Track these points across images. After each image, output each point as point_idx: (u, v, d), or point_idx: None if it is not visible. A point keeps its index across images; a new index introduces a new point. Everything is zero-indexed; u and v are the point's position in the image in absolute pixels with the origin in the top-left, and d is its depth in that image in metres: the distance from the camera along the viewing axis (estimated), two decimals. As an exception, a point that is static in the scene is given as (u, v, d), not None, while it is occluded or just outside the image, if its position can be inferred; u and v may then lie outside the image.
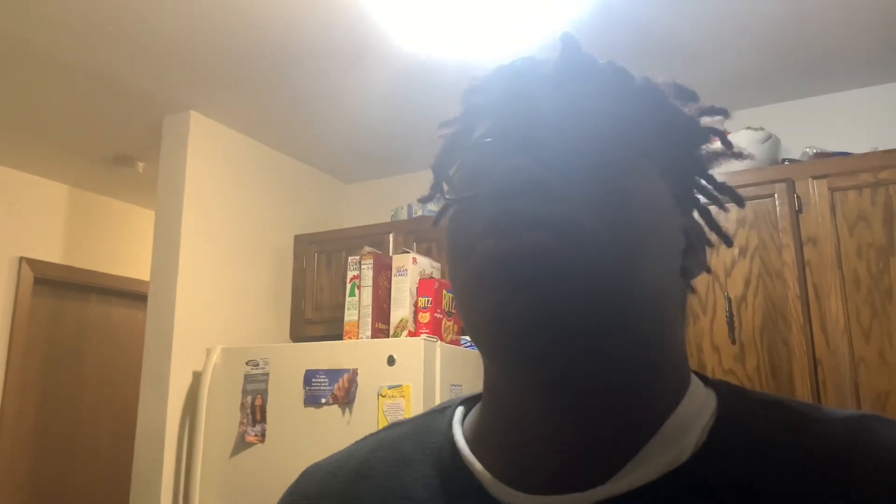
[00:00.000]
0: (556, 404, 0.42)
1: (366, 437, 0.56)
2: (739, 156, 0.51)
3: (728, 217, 2.15)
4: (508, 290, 0.39)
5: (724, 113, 0.51)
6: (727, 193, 0.51)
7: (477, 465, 0.45)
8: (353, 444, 0.56)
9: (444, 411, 0.52)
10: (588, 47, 0.48)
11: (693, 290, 0.50)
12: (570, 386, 0.41)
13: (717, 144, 0.51)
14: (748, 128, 2.31)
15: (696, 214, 0.51)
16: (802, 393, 1.98)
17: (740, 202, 0.52)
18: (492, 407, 0.47)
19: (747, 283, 2.10)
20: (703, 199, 0.51)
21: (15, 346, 3.11)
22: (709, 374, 2.03)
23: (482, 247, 0.41)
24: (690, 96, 0.50)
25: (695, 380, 0.46)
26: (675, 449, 0.41)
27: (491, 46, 2.10)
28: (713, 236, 0.52)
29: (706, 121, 0.50)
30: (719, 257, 2.15)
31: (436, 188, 0.51)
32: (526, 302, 0.39)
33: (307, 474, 0.56)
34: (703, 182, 0.51)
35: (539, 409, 0.42)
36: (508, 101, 0.46)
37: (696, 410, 0.43)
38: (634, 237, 0.41)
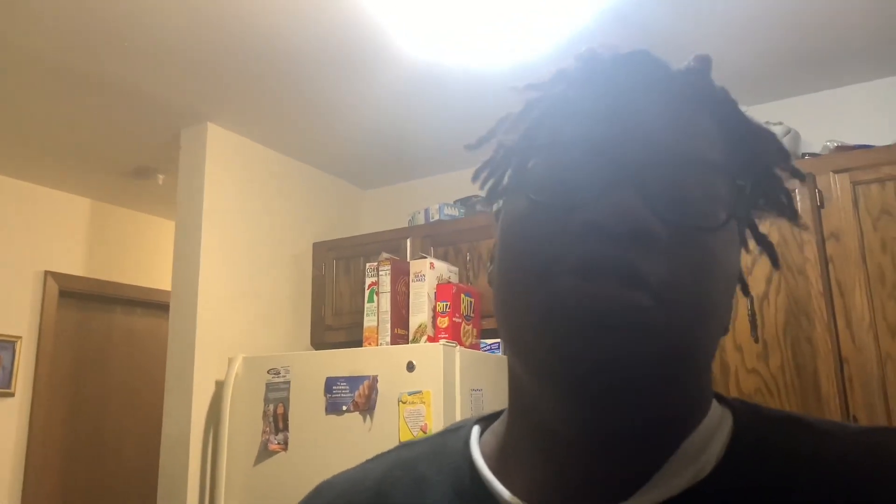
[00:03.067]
0: (598, 437, 0.42)
1: (379, 456, 0.56)
2: (801, 176, 0.48)
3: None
4: (585, 338, 0.37)
5: (801, 177, 0.49)
6: (788, 214, 0.49)
7: (497, 485, 0.45)
8: (365, 463, 0.56)
9: (459, 431, 0.52)
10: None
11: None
12: (617, 424, 0.41)
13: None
14: (767, 122, 2.27)
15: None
16: (828, 391, 1.95)
17: (796, 220, 0.49)
18: (519, 426, 0.46)
19: (769, 281, 2.08)
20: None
21: (42, 358, 3.17)
22: (732, 373, 2.02)
23: (566, 282, 0.38)
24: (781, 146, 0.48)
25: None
26: (696, 465, 0.41)
27: (501, 51, 2.09)
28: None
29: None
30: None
31: (493, 169, 0.49)
32: (600, 354, 0.37)
33: (320, 492, 0.55)
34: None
35: (577, 438, 0.42)
36: (608, 109, 0.42)
37: (714, 428, 0.43)
38: (713, 304, 0.41)
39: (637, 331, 0.37)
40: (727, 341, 2.09)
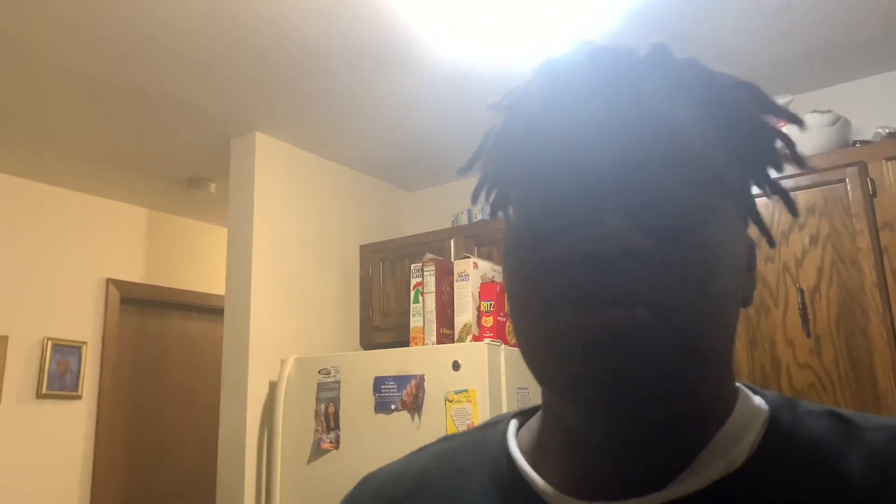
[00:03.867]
0: (622, 441, 0.43)
1: (421, 449, 0.58)
2: (803, 164, 0.47)
3: (797, 205, 2.07)
4: (591, 364, 0.39)
5: (800, 122, 0.48)
6: (782, 197, 0.48)
7: (535, 476, 0.46)
8: (408, 456, 0.58)
9: (497, 425, 0.53)
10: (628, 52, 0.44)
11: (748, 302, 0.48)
12: (637, 430, 0.42)
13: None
14: (815, 111, 2.22)
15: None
16: (886, 386, 1.89)
17: (794, 212, 0.49)
18: (552, 427, 0.48)
19: (820, 274, 2.03)
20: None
21: (106, 362, 3.31)
22: (784, 369, 1.98)
23: (566, 318, 0.39)
24: (766, 102, 0.45)
25: (744, 391, 0.47)
26: (727, 457, 0.42)
27: (534, 52, 2.10)
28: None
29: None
30: (789, 247, 2.08)
31: (482, 193, 0.49)
32: (607, 376, 0.39)
33: (365, 483, 0.58)
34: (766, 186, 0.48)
35: (603, 441, 0.44)
36: (575, 125, 0.42)
37: (747, 421, 0.44)
38: (719, 302, 0.41)
39: (640, 346, 0.38)
40: (778, 336, 2.05)
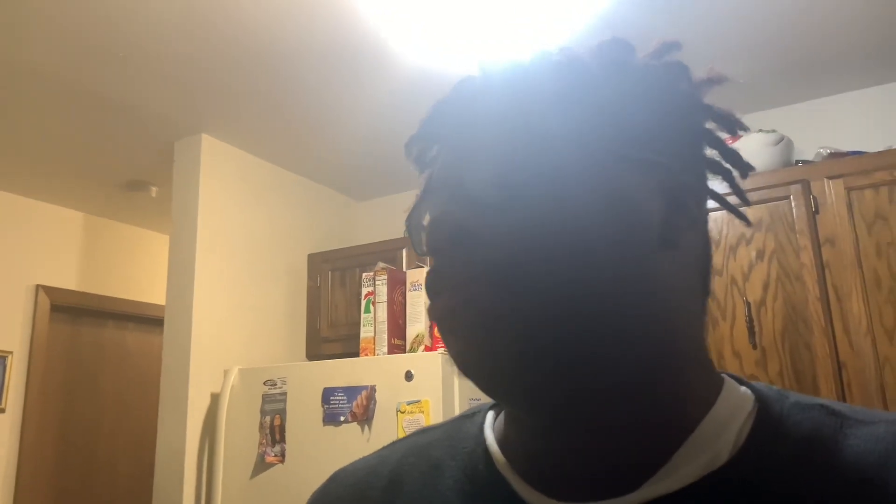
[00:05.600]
0: (567, 424, 0.41)
1: (394, 443, 0.56)
2: (738, 125, 0.46)
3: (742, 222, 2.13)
4: (457, 347, 0.40)
5: (737, 127, 0.47)
6: (734, 162, 0.47)
7: (509, 471, 0.44)
8: (381, 450, 0.56)
9: (474, 416, 0.51)
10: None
11: (712, 294, 0.47)
12: (563, 405, 0.40)
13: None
14: (760, 130, 2.29)
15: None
16: (827, 396, 1.95)
17: (746, 169, 0.47)
18: (512, 421, 0.46)
19: (766, 287, 2.08)
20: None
21: (33, 373, 3.13)
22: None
23: (430, 307, 0.42)
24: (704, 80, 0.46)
25: (730, 381, 0.45)
26: (709, 452, 0.40)
27: (498, 57, 2.10)
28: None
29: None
30: (736, 261, 2.13)
31: (412, 240, 0.50)
32: (484, 352, 0.39)
33: (336, 480, 0.55)
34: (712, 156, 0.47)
35: (554, 427, 0.42)
36: (449, 139, 0.45)
37: (731, 412, 0.42)
38: (577, 254, 0.38)
39: (494, 324, 0.38)
40: (725, 348, 2.09)
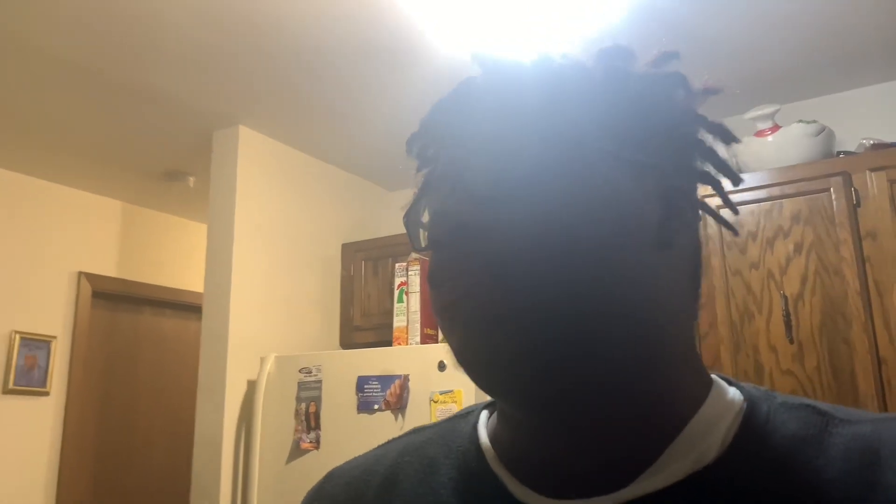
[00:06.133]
0: (561, 421, 0.42)
1: (390, 442, 0.57)
2: (730, 136, 0.46)
3: (782, 213, 2.10)
4: (459, 340, 0.41)
5: (729, 139, 0.47)
6: (725, 171, 0.47)
7: (501, 469, 0.45)
8: (376, 449, 0.57)
9: (468, 416, 0.53)
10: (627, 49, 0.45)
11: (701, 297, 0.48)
12: (570, 407, 0.41)
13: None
14: (800, 121, 2.25)
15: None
16: (866, 392, 1.92)
17: (736, 179, 0.47)
18: (505, 418, 0.47)
19: (804, 281, 2.05)
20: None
21: (76, 357, 3.22)
22: (766, 374, 2.00)
23: (432, 300, 0.43)
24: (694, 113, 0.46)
25: (719, 382, 0.46)
26: (697, 451, 0.40)
27: (532, 49, 2.10)
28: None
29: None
30: (773, 255, 2.10)
31: (409, 236, 0.50)
32: (482, 346, 0.40)
33: (332, 478, 0.56)
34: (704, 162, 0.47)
35: (546, 424, 0.43)
36: (450, 137, 0.46)
37: (719, 412, 0.43)
38: (577, 253, 0.39)
39: (493, 318, 0.39)
40: (761, 342, 2.07)
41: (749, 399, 0.44)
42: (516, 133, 0.42)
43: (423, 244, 0.47)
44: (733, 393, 0.44)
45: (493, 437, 0.48)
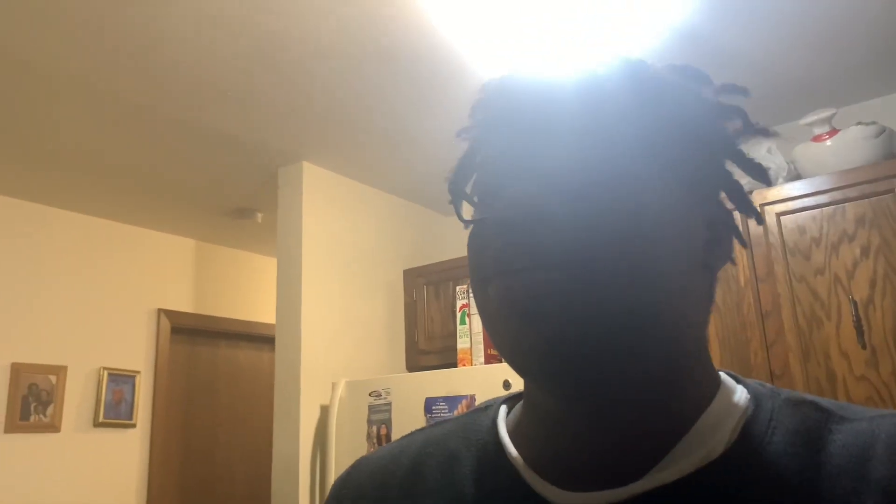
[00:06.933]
0: (587, 410, 0.44)
1: (412, 434, 0.58)
2: (765, 132, 0.48)
3: (845, 217, 2.07)
4: (519, 326, 0.41)
5: (765, 133, 0.49)
6: (755, 173, 0.49)
7: (520, 462, 0.47)
8: (400, 440, 0.58)
9: (488, 410, 0.54)
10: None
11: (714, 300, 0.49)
12: (598, 397, 0.43)
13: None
14: (859, 123, 2.22)
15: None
16: (947, 396, 1.86)
17: (766, 181, 0.49)
18: (530, 408, 0.49)
19: (873, 285, 2.01)
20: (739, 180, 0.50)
21: (158, 390, 3.40)
22: (840, 381, 1.96)
23: (492, 284, 0.43)
24: (732, 90, 0.48)
25: (727, 379, 0.48)
26: (706, 446, 0.42)
27: (571, 70, 2.14)
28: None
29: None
30: (839, 259, 2.07)
31: (455, 205, 0.51)
32: (538, 337, 0.41)
33: (358, 468, 0.58)
34: (734, 166, 0.49)
35: (572, 413, 0.45)
36: (517, 115, 0.45)
37: (727, 408, 0.45)
38: (645, 259, 0.41)
39: (560, 310, 0.40)
40: (832, 349, 2.03)
41: (755, 397, 0.46)
42: (592, 129, 0.43)
43: (468, 218, 0.48)
44: (740, 391, 0.47)
45: (513, 432, 0.50)
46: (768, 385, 0.47)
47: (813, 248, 2.11)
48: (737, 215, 0.51)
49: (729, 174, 0.49)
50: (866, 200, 2.07)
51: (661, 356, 0.43)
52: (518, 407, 0.52)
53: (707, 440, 0.43)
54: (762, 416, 0.44)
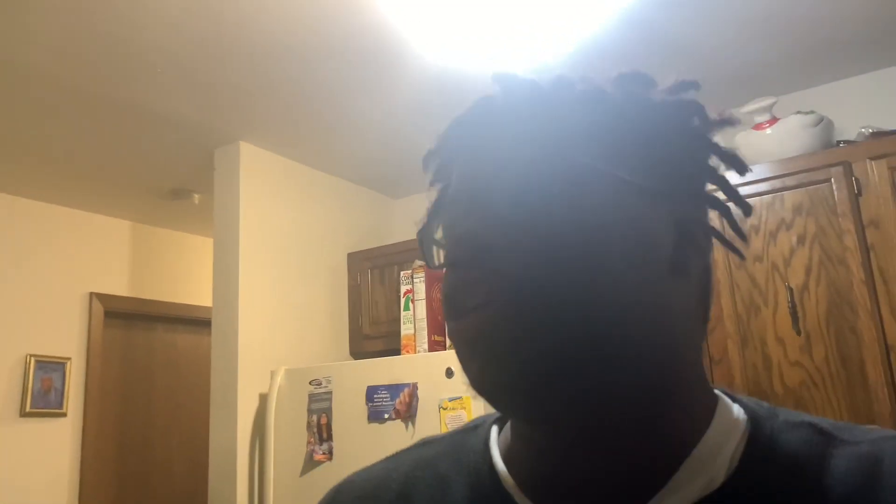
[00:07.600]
0: (567, 437, 0.43)
1: (399, 454, 0.57)
2: (742, 166, 0.48)
3: (784, 205, 2.10)
4: (480, 365, 0.41)
5: (740, 168, 0.48)
6: (736, 200, 0.49)
7: (516, 491, 0.45)
8: (385, 461, 0.56)
9: (477, 429, 0.53)
10: (616, 58, 0.47)
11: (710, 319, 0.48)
12: (572, 425, 0.42)
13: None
14: (798, 112, 2.25)
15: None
16: (876, 380, 1.91)
17: (747, 210, 0.49)
18: (517, 435, 0.48)
19: (808, 272, 2.05)
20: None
21: (91, 378, 3.26)
22: (775, 366, 1.99)
23: (449, 325, 0.44)
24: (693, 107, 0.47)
25: (723, 400, 0.46)
26: (707, 474, 0.41)
27: (521, 56, 2.11)
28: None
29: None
30: (777, 247, 2.10)
31: (425, 253, 0.50)
32: (499, 374, 0.40)
33: (342, 492, 0.56)
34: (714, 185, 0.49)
35: (556, 441, 0.43)
36: (471, 157, 0.45)
37: (725, 433, 0.44)
38: (596, 277, 0.40)
39: (509, 344, 0.40)
40: (768, 334, 2.07)
41: (752, 418, 0.44)
42: (541, 159, 0.42)
43: (437, 263, 0.47)
44: (737, 411, 0.45)
45: (506, 456, 0.48)
46: (764, 404, 0.46)
47: (752, 236, 2.14)
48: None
49: (708, 168, 0.48)
50: (804, 189, 2.10)
51: (635, 376, 0.41)
52: (507, 428, 0.50)
53: (708, 467, 0.42)
54: (762, 439, 0.43)
